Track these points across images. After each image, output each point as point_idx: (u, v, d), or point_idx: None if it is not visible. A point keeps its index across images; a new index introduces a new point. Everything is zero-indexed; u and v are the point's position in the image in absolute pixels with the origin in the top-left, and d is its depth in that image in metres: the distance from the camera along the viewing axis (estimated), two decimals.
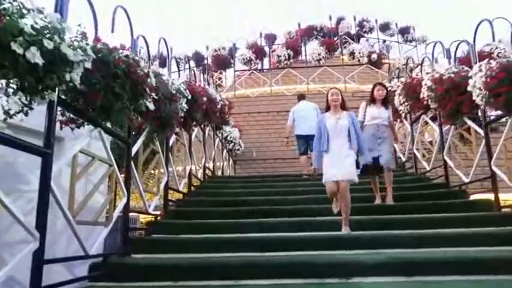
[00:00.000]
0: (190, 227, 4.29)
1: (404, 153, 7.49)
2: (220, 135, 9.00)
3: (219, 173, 8.42)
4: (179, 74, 5.12)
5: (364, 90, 12.43)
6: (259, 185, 6.59)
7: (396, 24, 17.39)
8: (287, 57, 13.09)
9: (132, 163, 3.52)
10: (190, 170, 5.74)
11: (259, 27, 15.68)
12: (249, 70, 13.53)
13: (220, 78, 14.38)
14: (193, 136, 6.11)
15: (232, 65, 13.13)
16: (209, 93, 6.30)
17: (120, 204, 3.26)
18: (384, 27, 17.15)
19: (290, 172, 11.03)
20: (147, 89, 2.94)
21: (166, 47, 4.55)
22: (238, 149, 10.87)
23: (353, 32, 16.99)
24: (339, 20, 17.00)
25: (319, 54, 12.86)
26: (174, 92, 4.06)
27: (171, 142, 4.79)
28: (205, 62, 12.27)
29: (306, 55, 13.08)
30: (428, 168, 6.22)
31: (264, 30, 15.93)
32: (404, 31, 17.27)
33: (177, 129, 5.19)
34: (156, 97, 3.64)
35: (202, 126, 6.75)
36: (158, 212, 4.71)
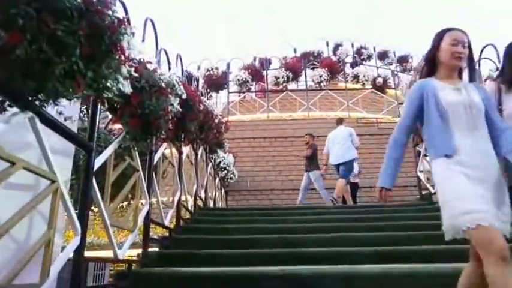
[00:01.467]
0: (181, 281, 2.97)
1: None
2: (213, 160, 7.76)
3: (211, 204, 7.10)
4: (169, 68, 3.92)
5: (368, 118, 11.50)
6: (265, 219, 5.30)
7: (394, 53, 16.83)
8: (285, 79, 12.12)
9: (95, 184, 2.24)
10: (180, 198, 4.45)
11: (253, 51, 14.68)
12: (244, 92, 12.47)
13: None
14: (184, 156, 4.86)
15: (226, 87, 12.07)
16: (205, 103, 5.13)
17: (69, 248, 1.95)
18: (383, 56, 16.54)
19: (293, 204, 9.81)
20: (121, 53, 1.73)
21: (154, 29, 3.39)
22: (231, 178, 9.64)
23: (350, 59, 16.28)
24: (337, 47, 16.32)
25: (320, 77, 11.93)
26: (163, 85, 2.85)
27: (156, 158, 3.53)
28: (197, 82, 11.18)
29: (306, 78, 12.15)
30: None
31: (258, 54, 15.06)
32: (402, 60, 16.68)
33: (165, 144, 3.96)
34: (137, 83, 2.45)
35: (195, 145, 5.52)
36: (137, 252, 3.39)
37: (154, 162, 3.45)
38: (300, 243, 4.00)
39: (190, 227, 4.75)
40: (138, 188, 3.02)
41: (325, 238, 4.07)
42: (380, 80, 12.58)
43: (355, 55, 16.03)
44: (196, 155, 5.68)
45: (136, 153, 2.95)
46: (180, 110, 3.22)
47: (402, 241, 4.00)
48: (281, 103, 12.13)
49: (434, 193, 6.08)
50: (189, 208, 5.15)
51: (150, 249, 3.53)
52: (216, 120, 5.48)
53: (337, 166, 7.51)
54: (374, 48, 16.56)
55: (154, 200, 3.74)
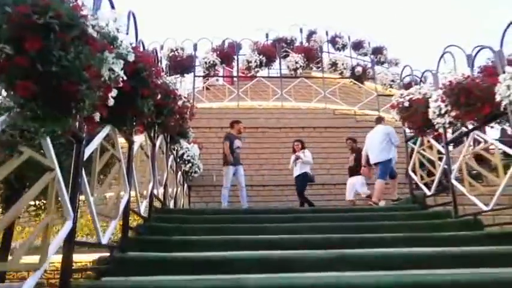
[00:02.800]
0: None
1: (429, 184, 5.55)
2: (175, 151, 6.63)
3: (171, 204, 6.00)
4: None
5: (344, 111, 10.71)
6: (237, 228, 4.27)
7: (369, 44, 16.20)
8: (258, 64, 11.02)
9: None
10: (128, 203, 3.34)
11: (222, 35, 13.37)
12: (212, 76, 11.28)
13: None
14: (136, 147, 3.75)
15: (192, 70, 10.78)
16: (166, 79, 4.04)
17: None
18: (357, 46, 15.82)
19: (269, 203, 8.88)
20: None
21: None
22: (195, 172, 8.54)
23: (324, 48, 15.43)
24: (311, 34, 15.43)
25: (296, 63, 10.94)
26: (92, 32, 1.75)
27: (88, 151, 2.41)
28: (157, 57, 9.87)
29: (280, 64, 11.11)
30: (485, 209, 4.29)
31: (228, 38, 13.80)
32: (377, 51, 16.07)
33: (107, 130, 2.84)
34: (36, 17, 1.35)
35: (152, 133, 4.41)
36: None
37: (85, 157, 2.33)
38: (290, 265, 3.04)
39: (141, 239, 3.66)
40: (51, 198, 1.90)
41: (320, 258, 3.12)
42: (359, 69, 11.81)
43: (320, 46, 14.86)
44: (154, 145, 4.57)
45: (48, 141, 1.83)
46: (124, 77, 2.13)
47: (415, 260, 3.16)
48: (252, 90, 11.08)
49: (432, 195, 5.33)
50: (142, 212, 4.04)
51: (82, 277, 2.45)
52: (180, 103, 4.38)
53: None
54: (349, 38, 15.84)
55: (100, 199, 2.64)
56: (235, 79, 11.42)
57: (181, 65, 10.90)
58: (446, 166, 4.96)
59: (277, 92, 10.69)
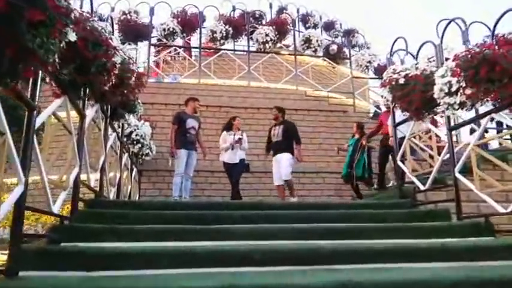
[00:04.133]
0: None
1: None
2: (120, 129, 5.41)
3: (112, 193, 4.82)
4: None
5: (316, 93, 9.79)
6: (204, 230, 3.21)
7: (341, 25, 15.36)
8: (224, 35, 9.76)
9: None
10: (23, 196, 2.17)
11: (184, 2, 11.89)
12: (171, 46, 9.93)
13: None
14: (44, 116, 2.56)
15: (148, 38, 9.34)
16: (95, 23, 2.84)
17: None
18: (329, 26, 14.92)
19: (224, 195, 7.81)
20: None
21: None
22: (147, 154, 7.38)
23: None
24: (281, 10, 14.31)
25: (266, 35, 9.79)
26: None
27: None
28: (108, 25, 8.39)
29: (248, 38, 9.91)
30: (502, 210, 3.50)
31: (190, 5, 12.34)
32: (349, 33, 15.25)
33: None
34: None
35: (82, 102, 3.21)
36: None
37: None
38: None
39: (50, 251, 2.50)
40: None
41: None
42: (334, 47, 10.93)
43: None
44: (83, 117, 3.38)
45: None
46: None
47: None
48: (217, 65, 9.89)
49: (426, 190, 4.53)
50: (57, 210, 2.86)
51: None
52: (117, 59, 3.17)
53: None
54: (320, 17, 14.90)
55: None
56: (196, 52, 10.14)
57: (135, 30, 9.43)
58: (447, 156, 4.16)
59: (243, 69, 9.56)
